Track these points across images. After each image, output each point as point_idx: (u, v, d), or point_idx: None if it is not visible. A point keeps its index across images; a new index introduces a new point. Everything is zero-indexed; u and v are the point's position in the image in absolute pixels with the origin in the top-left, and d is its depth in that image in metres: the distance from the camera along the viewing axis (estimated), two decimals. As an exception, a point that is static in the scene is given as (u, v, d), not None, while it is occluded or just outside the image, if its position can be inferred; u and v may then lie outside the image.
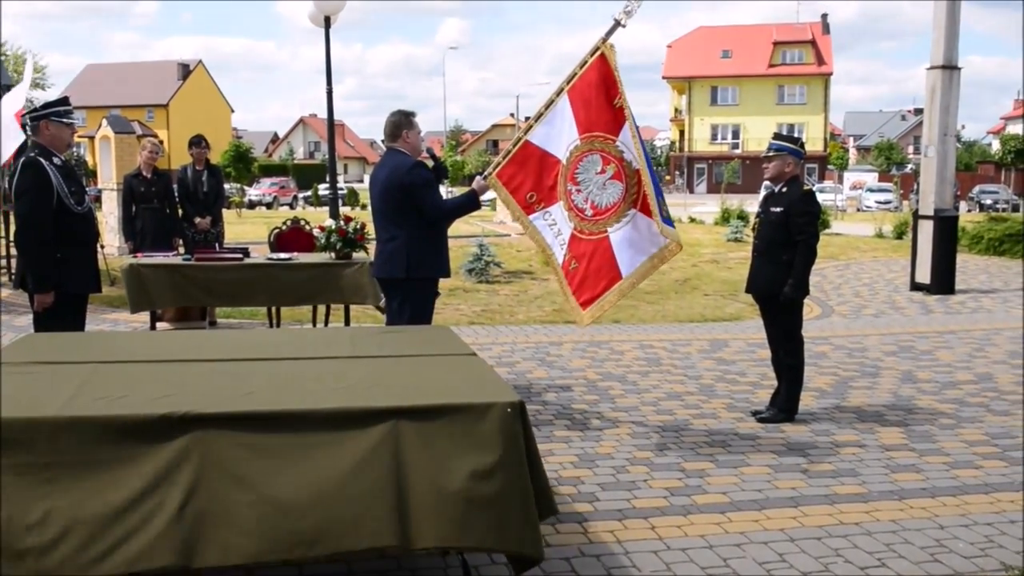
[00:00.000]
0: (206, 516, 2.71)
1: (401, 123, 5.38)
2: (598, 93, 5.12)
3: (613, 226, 5.14)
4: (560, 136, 5.28)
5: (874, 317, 10.24)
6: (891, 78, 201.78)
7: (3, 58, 39.97)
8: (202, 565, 2.70)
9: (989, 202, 41.48)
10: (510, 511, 2.85)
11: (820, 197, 5.84)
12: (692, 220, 27.43)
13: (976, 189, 45.53)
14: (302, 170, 66.07)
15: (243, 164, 54.03)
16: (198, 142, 9.00)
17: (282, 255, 7.60)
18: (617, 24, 5.18)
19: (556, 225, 5.34)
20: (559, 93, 5.29)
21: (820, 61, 62.40)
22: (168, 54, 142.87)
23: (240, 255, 7.39)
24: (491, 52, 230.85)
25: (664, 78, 66.85)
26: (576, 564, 3.60)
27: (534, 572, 3.44)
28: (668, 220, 5.07)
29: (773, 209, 5.67)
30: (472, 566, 3.45)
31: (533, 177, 5.38)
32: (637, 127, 5.10)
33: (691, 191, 58.72)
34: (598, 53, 5.13)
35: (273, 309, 8.05)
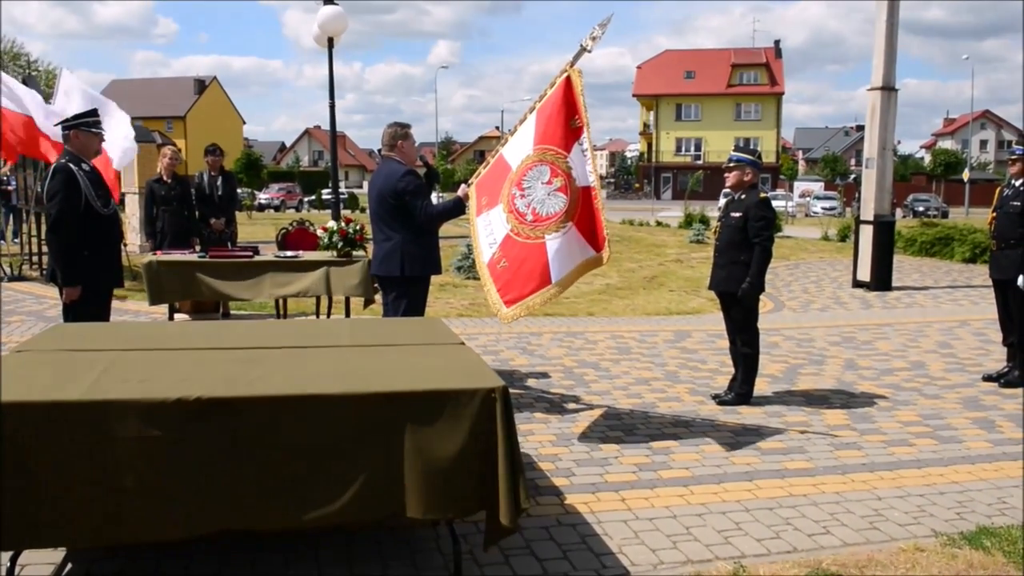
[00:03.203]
0: (219, 490, 2.68)
1: (397, 134, 5.35)
2: (558, 111, 4.97)
3: (551, 234, 4.86)
4: (519, 147, 5.15)
5: (820, 311, 10.29)
6: (836, 98, 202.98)
7: (35, 73, 39.54)
8: (217, 529, 2.67)
9: (921, 209, 41.94)
10: (494, 484, 2.83)
11: (773, 204, 5.84)
12: (659, 224, 27.47)
13: (910, 197, 45.95)
14: (307, 176, 65.67)
15: (254, 171, 53.77)
16: (213, 150, 8.91)
17: (288, 253, 7.55)
18: (583, 50, 5.06)
19: (490, 226, 5.14)
20: (531, 111, 5.24)
21: (773, 82, 62.71)
22: (186, 71, 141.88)
23: (251, 253, 7.33)
24: (479, 71, 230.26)
25: (634, 96, 66.99)
26: (554, 533, 3.59)
27: (516, 541, 3.44)
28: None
29: (733, 214, 5.68)
30: (460, 535, 3.43)
31: (490, 184, 5.26)
32: (591, 150, 4.99)
33: (658, 197, 58.84)
34: (564, 76, 5.07)
35: (280, 301, 7.99)
